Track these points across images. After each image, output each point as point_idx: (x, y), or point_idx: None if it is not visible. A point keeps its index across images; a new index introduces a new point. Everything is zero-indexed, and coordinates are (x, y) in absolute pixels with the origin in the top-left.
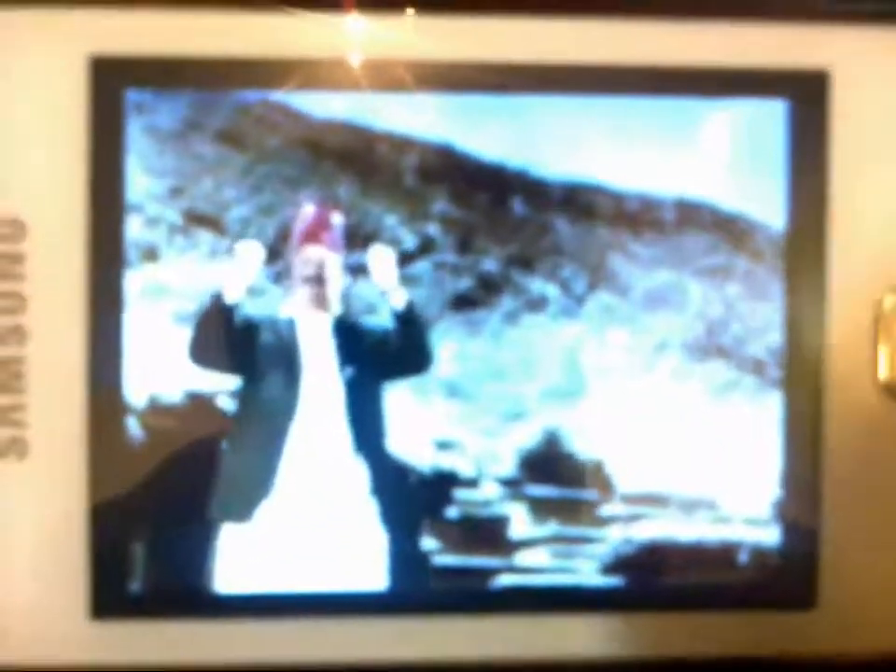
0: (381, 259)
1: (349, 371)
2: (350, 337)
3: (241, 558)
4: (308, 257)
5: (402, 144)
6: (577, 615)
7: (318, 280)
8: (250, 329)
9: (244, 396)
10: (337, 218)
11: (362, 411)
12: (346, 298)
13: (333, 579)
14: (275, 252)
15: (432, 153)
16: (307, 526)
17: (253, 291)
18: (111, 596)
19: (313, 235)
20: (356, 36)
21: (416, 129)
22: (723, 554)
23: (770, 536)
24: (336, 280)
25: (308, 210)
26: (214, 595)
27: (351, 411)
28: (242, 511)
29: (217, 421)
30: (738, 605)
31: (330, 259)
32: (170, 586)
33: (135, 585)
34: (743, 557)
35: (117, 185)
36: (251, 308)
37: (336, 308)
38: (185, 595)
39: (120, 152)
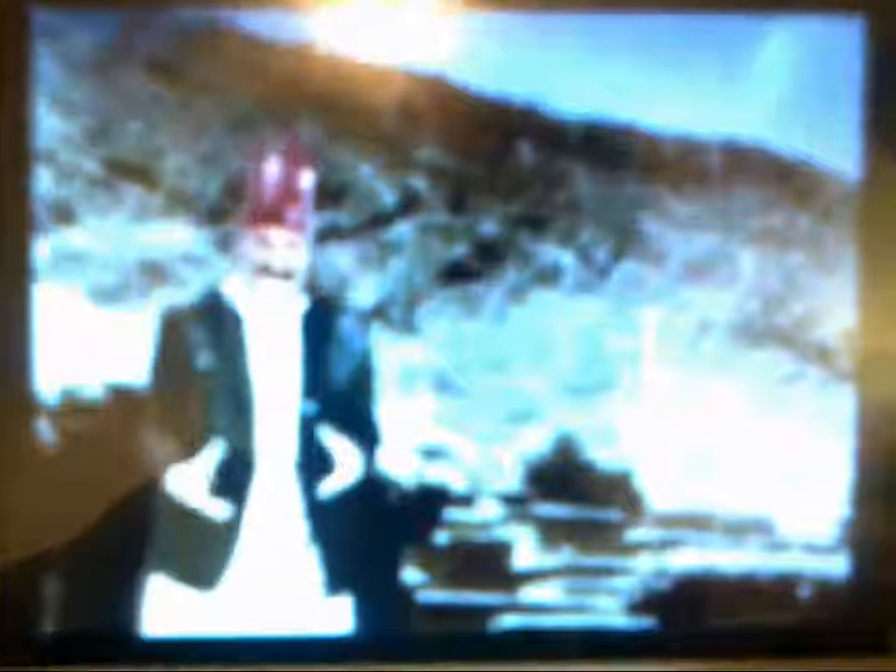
0: None
1: (313, 373)
2: (320, 341)
3: (174, 593)
4: (266, 239)
5: (381, 74)
6: (597, 664)
7: (279, 273)
8: None
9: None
10: (307, 179)
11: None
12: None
13: (287, 618)
14: (220, 214)
15: (419, 86)
16: (254, 551)
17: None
18: (15, 640)
19: (275, 212)
20: None
21: (399, 56)
22: (780, 588)
23: (837, 565)
24: (300, 270)
25: (271, 169)
26: (140, 639)
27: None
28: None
29: (150, 421)
30: (799, 651)
31: (296, 246)
32: (88, 628)
33: (45, 627)
34: (804, 592)
35: (22, 128)
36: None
37: (301, 306)
38: (106, 638)
39: (26, 87)
